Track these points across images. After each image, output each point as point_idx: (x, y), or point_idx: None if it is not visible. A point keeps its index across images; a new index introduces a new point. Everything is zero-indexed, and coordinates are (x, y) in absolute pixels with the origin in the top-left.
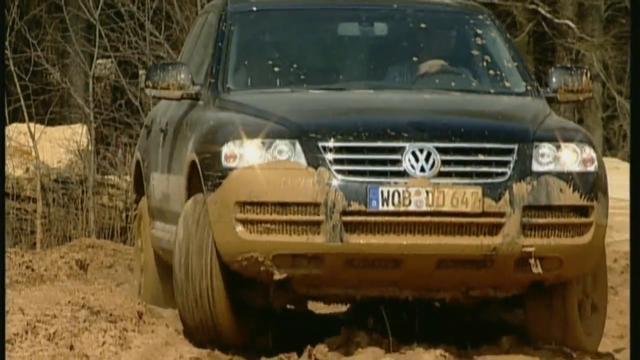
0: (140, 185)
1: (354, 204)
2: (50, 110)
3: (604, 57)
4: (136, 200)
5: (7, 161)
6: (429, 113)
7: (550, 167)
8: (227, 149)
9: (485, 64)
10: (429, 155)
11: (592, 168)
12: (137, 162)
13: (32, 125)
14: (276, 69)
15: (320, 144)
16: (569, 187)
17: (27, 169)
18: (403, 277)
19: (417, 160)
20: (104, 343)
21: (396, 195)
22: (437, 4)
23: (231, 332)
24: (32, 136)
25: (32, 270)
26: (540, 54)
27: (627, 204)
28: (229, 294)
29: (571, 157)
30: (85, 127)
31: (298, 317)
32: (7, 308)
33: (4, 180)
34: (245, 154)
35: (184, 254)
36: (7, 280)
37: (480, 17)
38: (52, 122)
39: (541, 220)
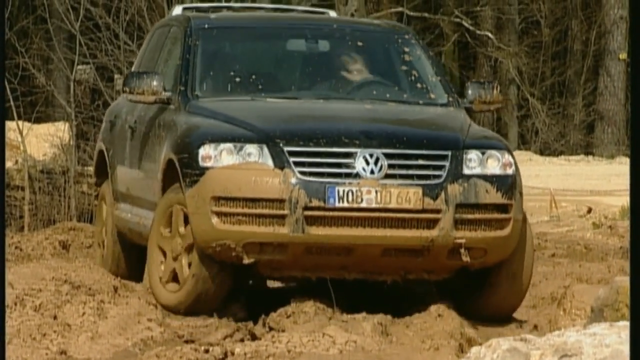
0: (101, 171)
1: (315, 200)
2: (37, 109)
3: (518, 63)
4: (97, 184)
5: None
6: (376, 122)
7: (477, 171)
8: (203, 151)
9: (413, 78)
10: (377, 159)
11: (510, 171)
12: (100, 151)
13: (20, 122)
14: (237, 79)
15: (285, 149)
16: (493, 188)
17: (16, 161)
18: (353, 262)
19: (367, 163)
20: (83, 313)
21: (350, 193)
22: (370, 24)
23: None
24: (21, 132)
25: (21, 250)
26: (464, 61)
27: (539, 190)
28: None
29: (494, 162)
30: (67, 125)
31: (254, 291)
32: None
33: (4, 179)
34: (220, 156)
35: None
36: None
37: (407, 36)
38: (38, 120)
39: (470, 216)
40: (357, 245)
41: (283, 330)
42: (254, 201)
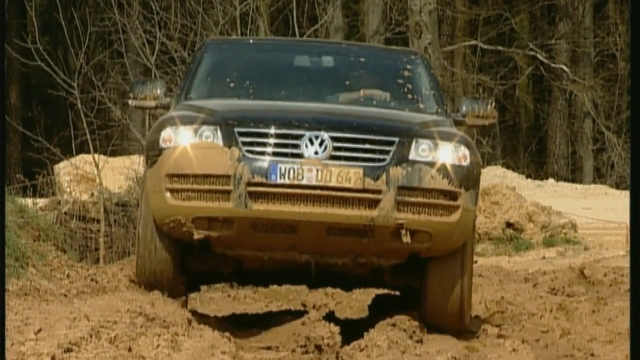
0: None
1: (257, 177)
2: (112, 143)
3: (594, 97)
4: None
5: (75, 187)
6: (331, 113)
7: (427, 159)
8: (164, 134)
9: (406, 90)
10: (322, 141)
11: (465, 163)
12: None
13: (96, 156)
14: (232, 85)
15: (235, 130)
16: (440, 174)
17: (92, 194)
18: (300, 241)
19: (312, 144)
20: (158, 346)
21: (291, 171)
22: (379, 47)
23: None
24: (97, 165)
25: (96, 282)
26: (539, 94)
27: (615, 225)
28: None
29: (447, 153)
30: (142, 158)
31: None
32: (74, 315)
33: (4, 183)
34: (179, 138)
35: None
36: (74, 291)
37: (413, 57)
38: (113, 153)
39: (413, 199)
40: (300, 222)
41: None
42: (202, 177)
